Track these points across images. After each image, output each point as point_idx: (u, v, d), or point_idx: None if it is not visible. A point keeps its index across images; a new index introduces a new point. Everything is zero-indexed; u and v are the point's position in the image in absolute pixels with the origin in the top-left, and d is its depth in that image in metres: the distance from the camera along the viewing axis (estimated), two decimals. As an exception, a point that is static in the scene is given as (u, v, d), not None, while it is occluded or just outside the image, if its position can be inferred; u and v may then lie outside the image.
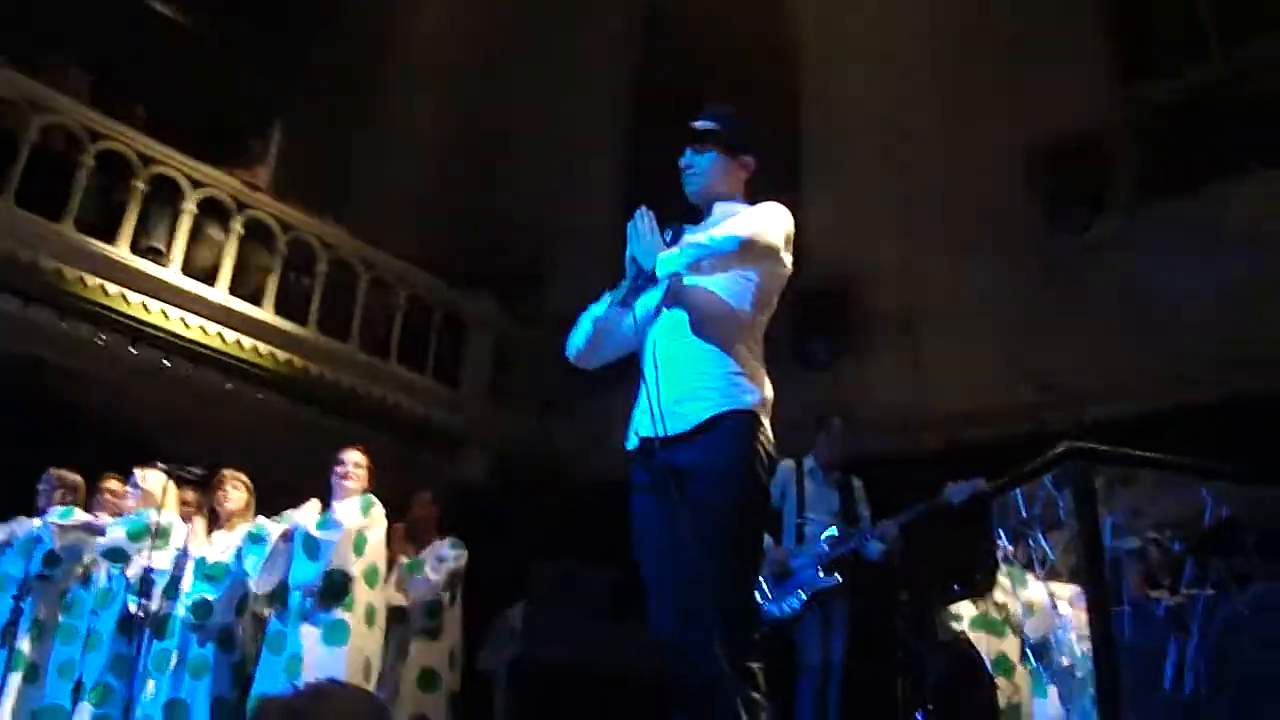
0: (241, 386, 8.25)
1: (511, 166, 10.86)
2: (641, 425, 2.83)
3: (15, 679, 5.22)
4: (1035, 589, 5.18)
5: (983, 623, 5.49)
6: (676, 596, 2.65)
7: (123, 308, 7.60)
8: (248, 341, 8.25)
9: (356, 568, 4.94)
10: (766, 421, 2.79)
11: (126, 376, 7.68)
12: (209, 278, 8.17)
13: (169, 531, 5.25)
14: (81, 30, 8.67)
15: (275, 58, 10.48)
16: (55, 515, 5.50)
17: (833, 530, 5.35)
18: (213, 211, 8.36)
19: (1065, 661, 4.78)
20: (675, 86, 9.76)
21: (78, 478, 5.83)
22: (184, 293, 7.93)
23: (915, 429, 7.63)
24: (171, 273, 7.91)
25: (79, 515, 5.56)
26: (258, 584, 5.04)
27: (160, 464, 5.32)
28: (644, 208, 2.88)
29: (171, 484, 5.36)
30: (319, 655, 4.74)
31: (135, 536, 5.23)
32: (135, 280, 7.68)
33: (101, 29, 8.88)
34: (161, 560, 5.15)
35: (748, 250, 2.77)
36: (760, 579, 5.15)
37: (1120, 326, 7.04)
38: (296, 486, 5.34)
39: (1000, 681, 5.31)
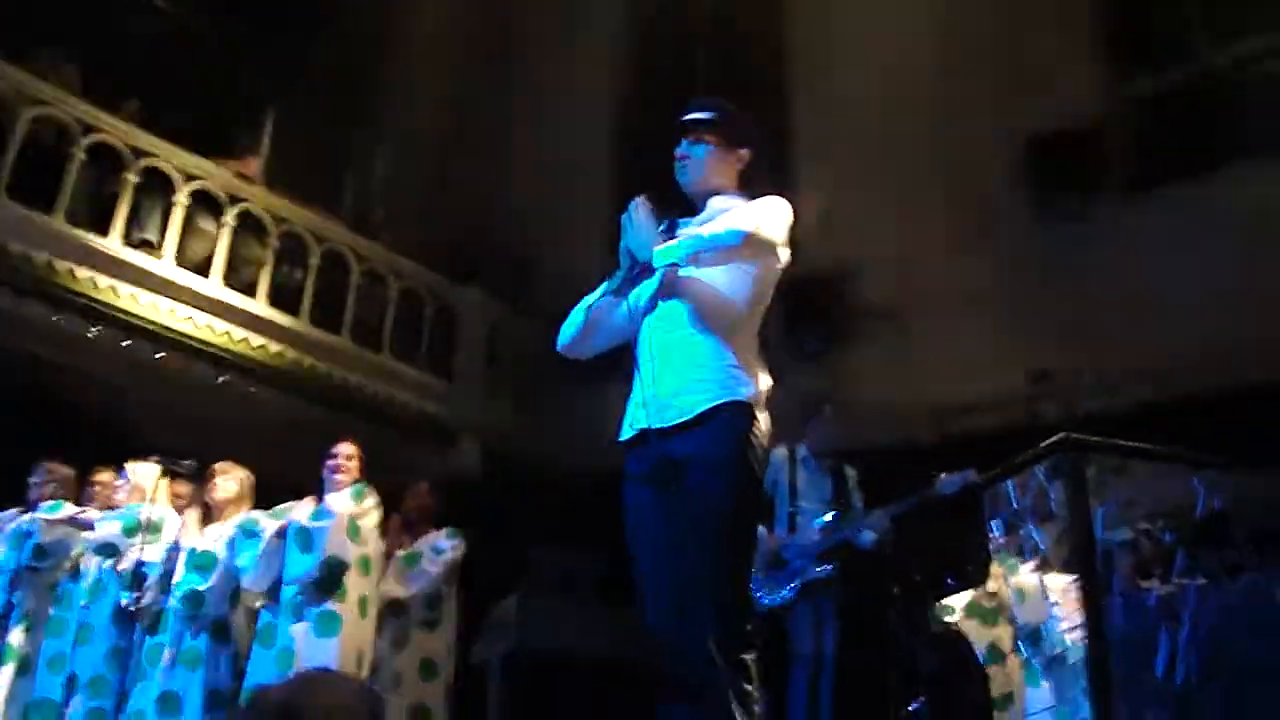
0: (234, 379, 8.23)
1: (506, 160, 10.86)
2: (637, 417, 2.82)
3: (7, 672, 5.21)
4: (1027, 575, 5.20)
5: (975, 611, 5.50)
6: (671, 589, 2.65)
7: (114, 300, 7.58)
8: (240, 334, 8.23)
9: (352, 554, 4.93)
10: (763, 414, 2.79)
11: (118, 370, 7.65)
12: (201, 270, 8.16)
13: (160, 526, 5.25)
14: (76, 25, 8.62)
15: (270, 52, 10.44)
16: (44, 510, 5.48)
17: (825, 518, 5.35)
18: (205, 204, 8.35)
19: (1057, 651, 4.80)
20: (669, 80, 9.78)
21: (69, 470, 5.81)
22: (176, 285, 7.91)
23: (907, 420, 7.64)
24: (164, 265, 7.89)
25: (66, 509, 5.54)
26: (253, 582, 5.03)
27: (152, 457, 5.32)
28: (640, 198, 2.87)
29: (164, 477, 5.35)
30: (310, 647, 4.74)
31: (128, 532, 5.22)
32: (127, 273, 7.65)
33: (97, 24, 8.83)
34: (153, 554, 5.14)
35: (750, 245, 2.77)
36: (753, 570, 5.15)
37: (1114, 318, 7.05)
38: (289, 479, 5.33)
39: (993, 670, 5.33)
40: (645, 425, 2.75)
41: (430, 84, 11.00)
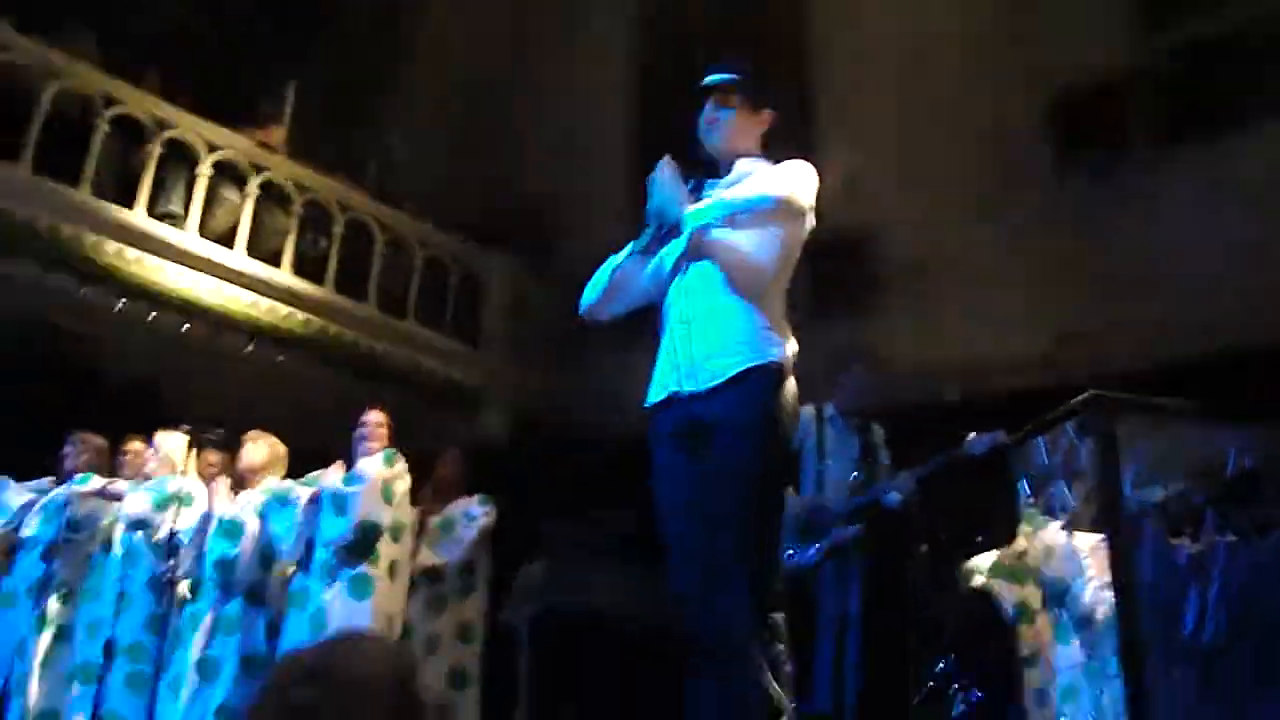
0: (261, 349, 8.29)
1: (528, 126, 10.84)
2: (668, 379, 2.82)
3: (45, 639, 5.29)
4: (1055, 533, 5.18)
5: (1003, 570, 5.48)
6: (699, 553, 2.64)
7: (141, 272, 7.64)
8: (266, 303, 8.28)
9: (386, 518, 4.97)
10: (791, 377, 2.79)
11: (146, 341, 7.72)
12: (226, 241, 8.19)
13: (191, 497, 5.30)
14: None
15: (291, 20, 10.44)
16: (76, 482, 5.54)
17: (852, 477, 5.34)
18: (228, 174, 8.37)
19: (1086, 609, 4.79)
20: (689, 43, 9.69)
21: (102, 440, 5.86)
22: (201, 257, 7.96)
23: (935, 380, 7.61)
24: (189, 236, 7.93)
25: (95, 481, 5.59)
26: (291, 551, 5.07)
27: (182, 426, 5.37)
28: (667, 158, 2.86)
29: (193, 447, 5.40)
30: (345, 609, 4.78)
31: (159, 506, 5.27)
32: (153, 245, 7.71)
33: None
34: (186, 522, 5.19)
35: (781, 208, 2.77)
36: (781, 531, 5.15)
37: (1141, 277, 6.98)
38: (317, 447, 5.36)
39: (1022, 629, 5.32)
40: (676, 388, 2.75)
41: (453, 51, 10.98)
